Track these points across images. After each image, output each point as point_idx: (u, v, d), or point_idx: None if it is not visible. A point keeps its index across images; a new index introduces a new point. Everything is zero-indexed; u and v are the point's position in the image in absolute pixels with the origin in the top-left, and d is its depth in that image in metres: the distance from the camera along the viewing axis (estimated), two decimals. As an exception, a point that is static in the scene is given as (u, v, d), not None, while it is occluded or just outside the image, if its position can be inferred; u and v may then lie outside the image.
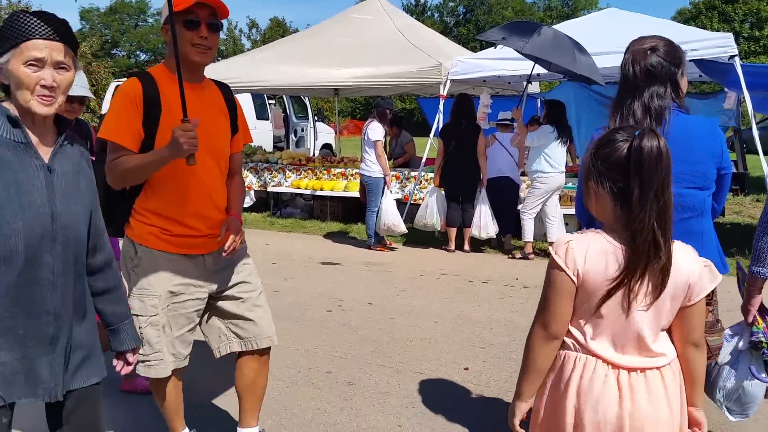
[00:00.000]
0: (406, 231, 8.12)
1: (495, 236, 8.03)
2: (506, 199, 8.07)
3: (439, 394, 3.88)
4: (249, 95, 13.49)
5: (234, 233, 2.65)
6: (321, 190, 10.09)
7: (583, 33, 7.62)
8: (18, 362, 1.86)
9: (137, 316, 2.62)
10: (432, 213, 8.12)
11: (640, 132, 1.75)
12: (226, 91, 2.86)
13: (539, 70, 7.80)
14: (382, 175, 7.99)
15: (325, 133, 17.63)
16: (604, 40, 7.90)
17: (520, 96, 8.17)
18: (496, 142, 8.08)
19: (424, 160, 9.45)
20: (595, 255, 1.79)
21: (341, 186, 9.97)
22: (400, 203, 8.90)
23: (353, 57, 9.71)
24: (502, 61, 8.60)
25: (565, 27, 8.42)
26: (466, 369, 4.27)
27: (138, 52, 60.61)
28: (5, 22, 1.87)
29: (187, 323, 2.76)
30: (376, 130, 7.92)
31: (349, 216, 10.16)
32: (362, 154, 8.17)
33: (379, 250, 8.21)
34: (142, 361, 2.70)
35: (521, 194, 8.21)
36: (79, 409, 2.04)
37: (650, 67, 2.43)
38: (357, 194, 9.07)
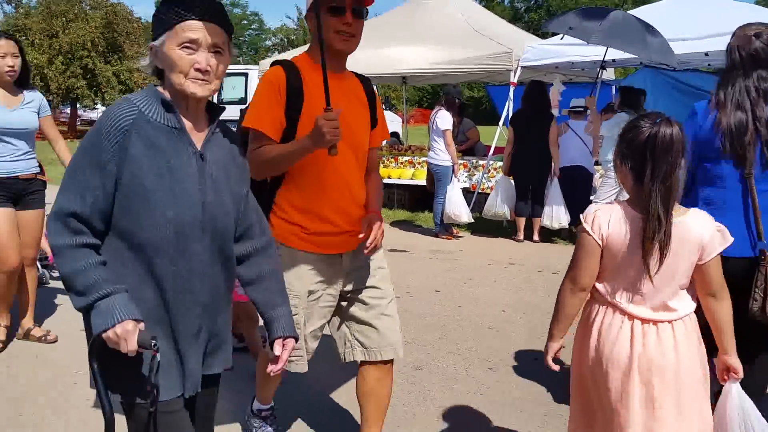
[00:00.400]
0: (472, 220, 8.06)
1: (567, 226, 7.89)
2: (579, 189, 7.89)
3: (508, 383, 3.85)
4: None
5: (376, 230, 2.55)
6: (388, 178, 10.12)
7: (660, 18, 7.38)
8: (170, 353, 1.82)
9: None
10: (501, 202, 8.04)
11: (660, 121, 2.04)
12: (366, 83, 2.76)
13: (614, 55, 7.58)
14: (451, 164, 7.95)
15: (393, 122, 17.62)
16: (683, 25, 7.63)
17: (593, 83, 7.97)
18: (570, 130, 7.91)
19: (492, 148, 9.34)
20: (616, 222, 2.13)
21: (408, 174, 9.97)
22: (468, 192, 8.83)
23: (421, 44, 9.67)
24: (575, 46, 8.39)
25: (642, 12, 8.16)
26: (536, 359, 4.22)
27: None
28: (161, 4, 1.81)
29: (320, 319, 2.72)
30: (445, 119, 7.87)
31: (415, 204, 10.16)
32: (430, 143, 8.14)
33: (446, 239, 8.18)
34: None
35: (595, 184, 8.01)
36: (201, 397, 1.98)
37: (753, 52, 2.64)
38: (424, 182, 9.05)
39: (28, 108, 4.18)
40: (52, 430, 3.23)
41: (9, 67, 4.03)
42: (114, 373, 1.76)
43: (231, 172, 1.92)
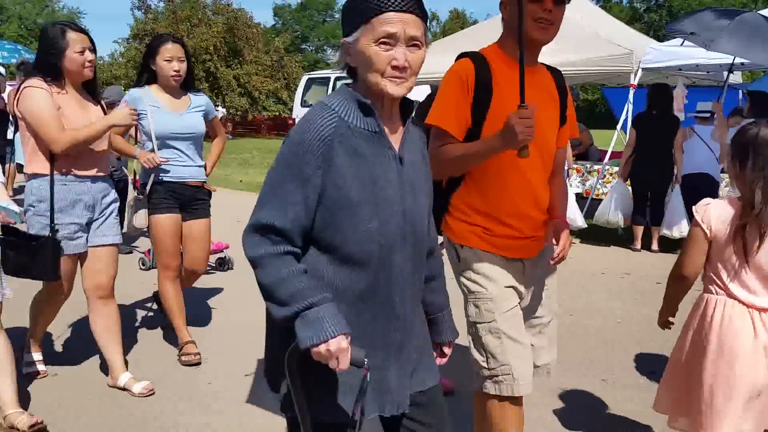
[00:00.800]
0: (585, 226, 7.84)
1: (689, 236, 7.51)
2: (703, 197, 7.47)
3: (622, 396, 3.73)
4: (428, 87, 13.67)
5: (565, 239, 2.39)
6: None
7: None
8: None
9: (475, 323, 2.44)
10: (615, 209, 7.77)
11: (763, 124, 2.22)
12: (558, 76, 2.55)
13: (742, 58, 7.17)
14: (566, 168, 7.77)
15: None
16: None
17: (719, 87, 7.55)
18: (695, 135, 7.51)
19: (609, 153, 9.03)
20: (727, 216, 2.26)
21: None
22: (581, 198, 8.60)
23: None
24: (700, 48, 7.99)
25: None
26: (653, 372, 4.07)
27: (325, 48, 63.64)
28: None
29: (521, 333, 2.45)
30: (562, 122, 7.70)
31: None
32: (544, 146, 7.98)
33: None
34: (489, 377, 2.41)
35: (720, 193, 7.58)
36: (418, 416, 1.83)
37: None
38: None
39: (195, 112, 4.07)
40: (184, 410, 3.43)
41: (175, 71, 3.90)
42: (305, 387, 1.66)
43: (423, 171, 1.80)
